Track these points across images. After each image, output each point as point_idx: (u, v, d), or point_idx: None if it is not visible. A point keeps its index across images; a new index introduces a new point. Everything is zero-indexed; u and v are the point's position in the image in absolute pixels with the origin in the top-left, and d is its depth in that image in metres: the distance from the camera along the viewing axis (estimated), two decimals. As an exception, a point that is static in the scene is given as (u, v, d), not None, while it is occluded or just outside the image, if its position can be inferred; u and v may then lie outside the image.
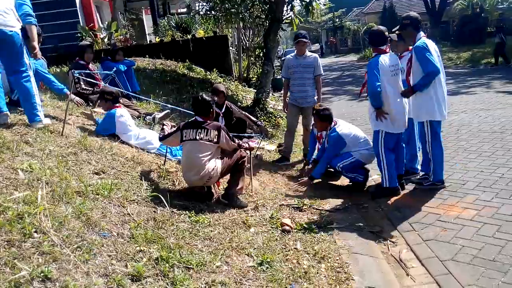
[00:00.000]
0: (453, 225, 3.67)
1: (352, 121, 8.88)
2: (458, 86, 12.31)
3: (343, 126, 4.99)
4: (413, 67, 4.40)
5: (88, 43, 6.79)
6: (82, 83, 5.71)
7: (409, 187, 4.71)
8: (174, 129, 4.11)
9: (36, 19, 4.04)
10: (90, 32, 11.49)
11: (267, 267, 2.89)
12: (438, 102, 4.38)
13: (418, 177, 4.83)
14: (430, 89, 4.34)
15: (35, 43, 4.09)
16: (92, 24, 12.52)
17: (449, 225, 3.67)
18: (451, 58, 20.66)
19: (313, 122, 5.40)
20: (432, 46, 4.34)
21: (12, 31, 3.85)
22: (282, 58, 17.86)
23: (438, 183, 4.49)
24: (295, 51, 6.03)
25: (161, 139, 4.17)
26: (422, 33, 4.43)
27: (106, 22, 13.10)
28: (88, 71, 5.75)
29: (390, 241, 3.61)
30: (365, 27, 34.20)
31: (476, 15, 25.50)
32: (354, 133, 4.98)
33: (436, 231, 3.62)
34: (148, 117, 5.83)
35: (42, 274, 2.08)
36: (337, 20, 45.53)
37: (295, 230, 3.64)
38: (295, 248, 3.30)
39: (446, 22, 29.29)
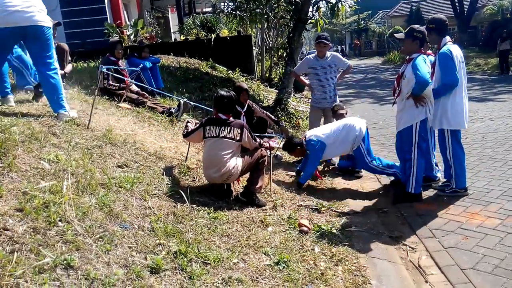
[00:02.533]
0: (475, 233, 3.60)
1: (374, 125, 8.83)
2: (485, 93, 12.02)
3: (315, 132, 5.08)
4: (436, 74, 4.35)
5: (118, 39, 6.92)
6: (110, 79, 5.82)
7: (430, 193, 4.64)
8: (197, 125, 4.14)
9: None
10: (117, 29, 11.70)
11: (284, 267, 2.89)
12: (459, 111, 4.31)
13: (440, 183, 4.74)
14: (451, 97, 4.28)
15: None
16: (119, 21, 12.77)
17: (471, 233, 3.60)
18: (478, 64, 20.19)
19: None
20: (456, 52, 4.27)
21: (43, 26, 3.99)
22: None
23: (460, 190, 4.41)
24: (316, 52, 6.01)
25: (184, 135, 4.22)
26: (448, 38, 4.36)
27: (133, 20, 13.33)
28: (116, 67, 5.85)
29: (409, 246, 3.56)
30: (391, 30, 33.73)
31: (506, 20, 24.81)
32: (328, 133, 4.97)
33: (458, 238, 3.55)
34: (173, 108, 5.91)
35: (65, 262, 2.14)
36: (362, 22, 45.05)
37: (313, 231, 3.63)
38: (312, 249, 3.29)
39: (475, 27, 28.63)
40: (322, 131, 5.06)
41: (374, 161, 4.91)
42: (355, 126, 4.89)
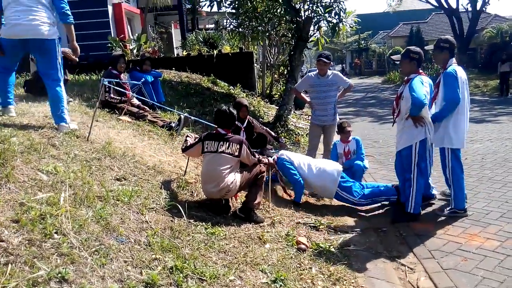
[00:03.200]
0: (474, 255, 3.56)
1: (374, 143, 8.85)
2: (484, 114, 12.08)
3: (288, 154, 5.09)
4: (440, 94, 4.41)
5: (121, 53, 6.98)
6: (111, 92, 5.84)
7: (429, 213, 4.61)
8: (196, 140, 4.15)
9: (73, 18, 4.23)
10: (120, 43, 11.83)
11: (281, 285, 2.85)
12: (460, 131, 4.36)
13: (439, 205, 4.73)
14: (454, 116, 4.34)
15: (75, 43, 4.34)
16: (122, 36, 12.92)
17: (470, 255, 3.56)
18: (478, 85, 20.34)
19: (335, 139, 5.47)
20: (461, 73, 4.37)
21: (45, 39, 4.05)
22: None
23: (459, 211, 4.39)
24: (317, 70, 6.05)
25: (183, 150, 4.22)
26: (454, 59, 4.47)
27: (136, 34, 13.48)
28: (118, 80, 5.89)
29: (408, 267, 3.52)
30: (391, 50, 34.07)
31: (505, 43, 25.10)
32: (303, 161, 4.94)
33: (457, 260, 3.51)
34: (173, 123, 5.92)
35: (59, 275, 2.11)
36: (362, 42, 45.56)
37: (311, 249, 3.60)
38: (309, 267, 3.25)
39: (474, 49, 28.90)
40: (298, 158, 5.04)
41: (359, 197, 4.76)
42: (330, 171, 4.84)
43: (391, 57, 4.96)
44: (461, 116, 4.36)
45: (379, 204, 4.91)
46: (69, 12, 4.16)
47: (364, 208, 4.87)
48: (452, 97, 4.26)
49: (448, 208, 4.48)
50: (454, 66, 4.37)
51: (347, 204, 4.88)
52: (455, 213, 4.40)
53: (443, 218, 4.42)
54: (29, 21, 3.97)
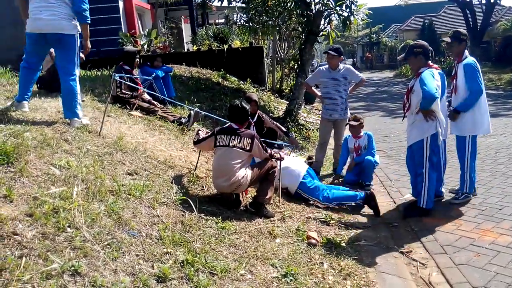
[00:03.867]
0: (487, 250, 3.52)
1: (385, 138, 8.77)
2: (497, 108, 11.88)
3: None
4: (459, 85, 4.48)
5: (137, 49, 7.00)
6: (123, 87, 5.87)
7: (441, 208, 4.56)
8: (209, 134, 4.17)
9: (89, 18, 4.28)
10: (131, 38, 11.88)
11: (291, 279, 2.86)
12: (485, 118, 4.57)
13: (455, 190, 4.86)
14: (477, 104, 4.52)
15: (88, 42, 4.40)
16: (133, 31, 12.96)
17: (483, 251, 3.52)
18: (491, 79, 20.01)
19: (346, 134, 5.42)
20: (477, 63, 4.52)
21: (63, 33, 4.12)
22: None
23: (470, 194, 4.63)
24: (327, 65, 6.00)
25: (195, 143, 4.24)
26: (466, 51, 4.57)
27: (147, 29, 13.52)
28: (129, 75, 5.91)
29: (419, 262, 3.49)
30: (403, 44, 33.69)
31: (520, 36, 24.65)
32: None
33: (469, 255, 3.48)
34: (183, 119, 5.93)
35: (72, 268, 2.14)
36: (374, 35, 45.10)
37: (321, 244, 3.59)
38: (320, 262, 3.25)
39: (488, 42, 28.40)
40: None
41: (323, 200, 4.65)
42: (295, 171, 4.77)
43: (397, 57, 4.92)
44: (484, 103, 4.56)
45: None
46: (87, 14, 4.20)
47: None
48: (477, 88, 4.43)
49: (460, 195, 4.63)
50: (472, 58, 4.51)
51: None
52: (467, 197, 4.59)
53: (456, 213, 4.37)
54: (49, 15, 4.05)
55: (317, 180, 4.92)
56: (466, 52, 4.55)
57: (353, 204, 4.67)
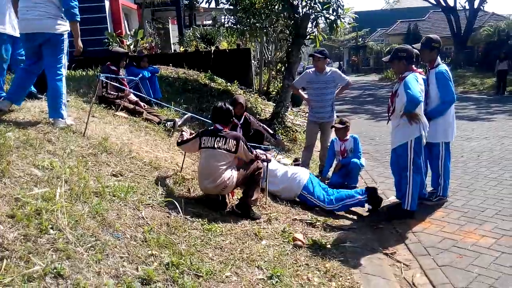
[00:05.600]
0: (469, 252, 3.58)
1: (370, 141, 8.86)
2: (480, 112, 12.11)
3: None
4: (430, 92, 4.53)
5: (126, 51, 6.92)
6: (109, 87, 5.80)
7: (424, 210, 4.62)
8: (194, 135, 4.15)
9: (79, 16, 4.22)
10: (117, 39, 11.75)
11: (277, 281, 2.86)
12: (451, 125, 4.65)
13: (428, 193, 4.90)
14: (449, 112, 4.60)
15: (79, 40, 4.33)
16: (119, 31, 12.83)
17: (466, 252, 3.58)
18: (475, 83, 20.40)
19: (332, 137, 5.44)
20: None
21: (55, 33, 4.09)
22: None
23: (444, 198, 4.75)
24: (314, 68, 6.04)
25: (179, 144, 4.22)
26: (439, 59, 4.63)
27: (133, 30, 13.40)
28: (115, 76, 5.84)
29: (403, 264, 3.53)
30: (388, 48, 34.09)
31: (503, 41, 25.13)
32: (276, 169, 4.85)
33: (452, 257, 3.53)
34: (168, 123, 5.89)
35: (55, 271, 2.11)
36: (360, 39, 45.55)
37: (307, 246, 3.61)
38: (306, 264, 3.26)
39: (471, 47, 28.94)
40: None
41: (326, 201, 4.67)
42: (299, 176, 4.80)
43: (382, 59, 4.93)
44: (453, 111, 4.66)
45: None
46: (76, 11, 4.15)
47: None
48: (450, 98, 4.50)
49: (434, 197, 4.75)
50: (444, 66, 4.57)
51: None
52: (441, 199, 4.74)
53: (439, 215, 4.44)
54: (35, 16, 4.03)
55: (318, 186, 4.88)
56: (439, 59, 4.60)
57: (359, 204, 4.69)
